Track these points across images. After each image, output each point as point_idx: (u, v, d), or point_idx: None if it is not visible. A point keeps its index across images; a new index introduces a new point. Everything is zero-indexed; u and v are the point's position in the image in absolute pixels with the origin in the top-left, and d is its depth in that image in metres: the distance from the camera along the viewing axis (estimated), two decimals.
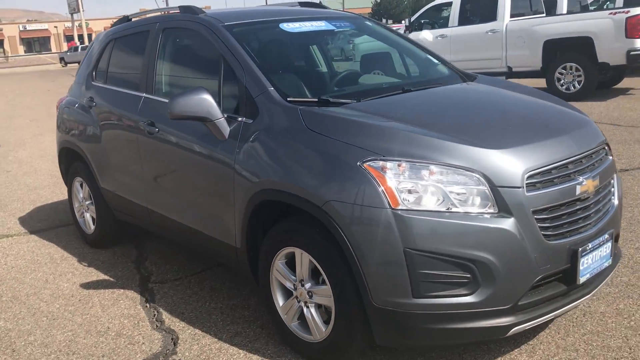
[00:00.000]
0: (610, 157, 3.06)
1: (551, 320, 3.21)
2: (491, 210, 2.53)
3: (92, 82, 4.74)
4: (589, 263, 2.74)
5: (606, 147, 3.07)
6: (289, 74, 3.58)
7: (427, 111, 3.08)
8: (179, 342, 3.32)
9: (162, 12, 4.34)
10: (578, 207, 2.72)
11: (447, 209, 2.52)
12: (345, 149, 2.69)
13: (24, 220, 5.94)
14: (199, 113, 3.11)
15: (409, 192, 2.52)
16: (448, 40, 11.98)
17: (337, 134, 2.78)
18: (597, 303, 3.38)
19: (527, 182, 2.56)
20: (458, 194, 2.53)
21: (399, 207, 2.50)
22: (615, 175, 3.08)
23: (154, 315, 3.68)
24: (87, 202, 4.93)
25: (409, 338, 2.64)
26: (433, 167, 2.55)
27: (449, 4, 12.18)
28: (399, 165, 2.56)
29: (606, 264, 2.87)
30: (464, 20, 11.93)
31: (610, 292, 3.50)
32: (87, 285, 4.21)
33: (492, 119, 2.99)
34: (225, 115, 3.21)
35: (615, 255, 3.08)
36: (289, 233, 2.93)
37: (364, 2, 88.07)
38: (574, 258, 2.67)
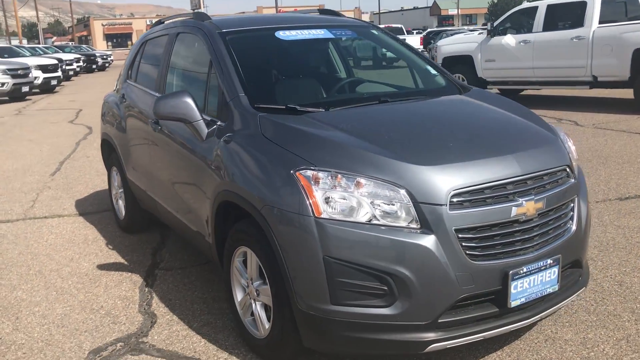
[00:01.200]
0: (572, 180, 2.95)
1: (507, 340, 3.15)
2: (413, 226, 2.55)
3: (127, 80, 5.14)
4: (525, 287, 2.68)
5: (568, 169, 2.96)
6: (270, 81, 3.73)
7: (381, 124, 3.11)
8: (154, 325, 3.58)
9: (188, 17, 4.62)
10: (516, 229, 2.66)
11: (369, 220, 2.57)
12: (285, 156, 2.81)
13: (80, 203, 6.50)
14: (179, 115, 3.34)
15: (334, 202, 2.59)
16: (531, 46, 11.53)
17: (282, 141, 2.90)
18: (566, 330, 3.26)
19: (451, 200, 2.56)
20: (382, 207, 2.58)
21: (322, 216, 2.58)
22: (577, 199, 2.96)
23: (146, 299, 3.96)
24: (120, 190, 5.36)
25: (330, 344, 2.72)
26: (360, 180, 2.61)
27: (535, 9, 11.70)
28: (327, 176, 2.64)
29: (550, 290, 2.78)
30: (549, 25, 11.41)
31: (587, 319, 3.36)
32: (102, 266, 4.59)
33: (440, 136, 2.97)
34: (209, 118, 3.42)
35: (574, 281, 2.98)
36: (242, 233, 3.09)
37: (480, 2, 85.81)
38: (504, 280, 2.62)
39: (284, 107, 3.23)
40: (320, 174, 2.65)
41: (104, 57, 39.80)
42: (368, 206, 2.58)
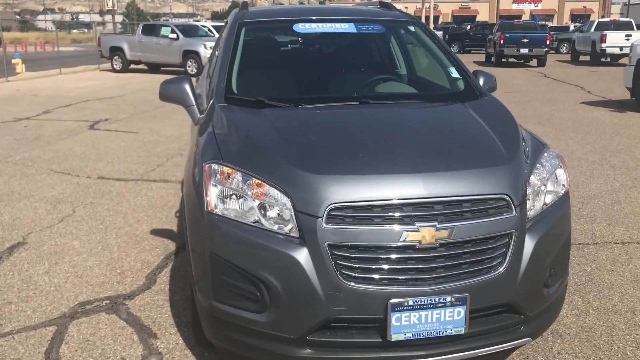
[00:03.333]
0: (513, 214, 2.53)
1: None
2: (293, 235, 2.46)
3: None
4: (412, 322, 2.42)
5: (509, 200, 2.54)
6: (262, 73, 3.73)
7: (321, 127, 2.99)
8: (145, 292, 3.88)
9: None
10: (409, 256, 2.40)
11: (253, 222, 2.52)
12: (209, 148, 2.86)
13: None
14: (176, 98, 3.54)
15: (227, 199, 2.59)
16: None
17: (218, 133, 2.95)
18: None
19: (330, 213, 2.39)
20: (269, 211, 2.51)
21: (214, 212, 2.60)
22: (516, 236, 2.54)
23: (160, 267, 4.28)
24: None
25: (217, 340, 2.73)
26: (254, 181, 2.57)
27: None
28: (226, 172, 2.64)
29: (451, 331, 2.46)
30: None
31: None
32: (154, 232, 5.02)
33: (366, 145, 2.76)
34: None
35: (509, 330, 2.60)
36: None
37: None
38: (386, 310, 2.39)
39: (253, 99, 3.25)
40: (221, 170, 2.65)
41: None
42: (256, 208, 2.53)
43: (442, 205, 2.45)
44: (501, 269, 2.51)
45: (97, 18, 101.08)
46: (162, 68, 22.14)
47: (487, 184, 2.53)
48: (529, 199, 2.66)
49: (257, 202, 2.52)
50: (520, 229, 2.55)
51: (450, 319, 2.45)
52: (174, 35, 20.75)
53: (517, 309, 2.60)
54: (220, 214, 2.58)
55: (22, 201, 5.89)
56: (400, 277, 2.41)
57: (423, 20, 75.19)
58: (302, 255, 2.40)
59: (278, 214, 2.49)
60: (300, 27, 3.83)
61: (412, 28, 4.06)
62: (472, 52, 37.16)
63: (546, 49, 24.35)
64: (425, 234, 2.38)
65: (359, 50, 4.15)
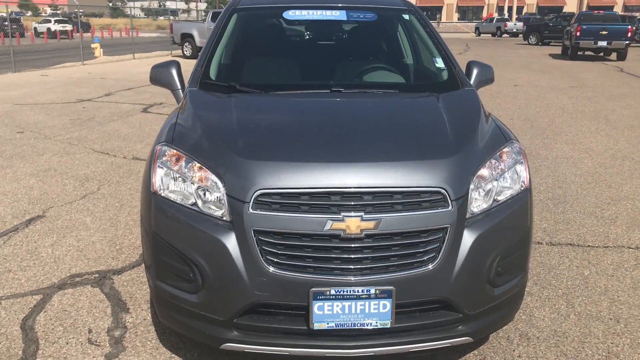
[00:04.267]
0: (449, 208, 2.45)
1: None
2: (225, 219, 2.49)
3: None
4: (335, 312, 2.40)
5: (446, 194, 2.46)
6: (243, 58, 3.76)
7: (277, 114, 3.01)
8: (133, 268, 4.02)
9: None
10: (334, 245, 2.39)
11: (191, 204, 2.58)
12: (167, 130, 2.93)
13: None
14: (163, 82, 3.65)
15: (169, 180, 2.65)
16: None
17: (180, 116, 3.02)
18: None
19: (258, 199, 2.41)
20: (206, 194, 2.55)
21: (157, 192, 2.67)
22: (452, 231, 2.46)
23: None
24: None
25: (162, 318, 2.81)
26: (195, 164, 2.61)
27: None
28: (172, 154, 2.70)
29: (376, 324, 2.42)
30: None
31: None
32: None
33: (312, 133, 2.76)
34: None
35: (445, 327, 2.53)
36: None
37: None
38: (308, 298, 2.39)
39: (225, 84, 3.29)
40: (168, 152, 2.71)
41: None
42: (194, 192, 2.58)
43: (371, 196, 2.41)
44: (433, 264, 2.44)
45: (182, 5, 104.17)
46: None
47: (422, 177, 2.46)
48: (475, 194, 2.57)
49: (196, 185, 2.57)
50: (458, 224, 2.47)
51: (376, 311, 2.41)
52: None
53: (454, 307, 2.52)
54: (163, 195, 2.64)
55: (55, 177, 6.21)
56: (325, 266, 2.39)
57: (505, 11, 72.98)
58: (230, 240, 2.43)
59: (214, 198, 2.52)
60: (290, 14, 3.84)
61: (406, 16, 3.97)
62: (551, 44, 35.70)
63: (627, 42, 23.03)
64: (350, 223, 2.36)
65: (351, 38, 4.11)
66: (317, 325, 2.41)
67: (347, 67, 3.76)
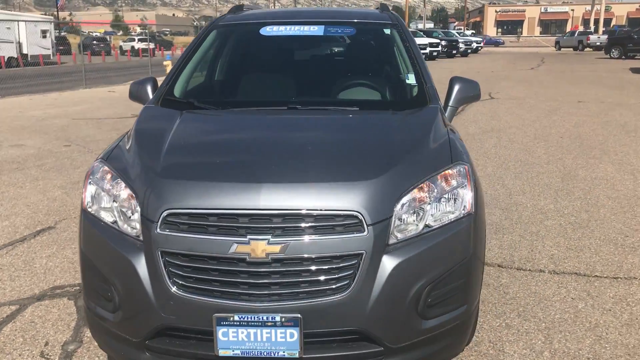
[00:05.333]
0: (364, 233, 2.30)
1: None
2: (141, 238, 2.45)
3: None
4: (241, 339, 2.30)
5: (362, 218, 2.31)
6: (210, 74, 3.73)
7: (215, 133, 2.97)
8: None
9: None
10: (241, 269, 2.29)
11: (112, 222, 2.56)
12: (111, 146, 2.95)
13: None
14: (139, 98, 3.69)
15: (97, 197, 2.65)
16: None
17: (128, 133, 3.02)
18: None
19: (167, 219, 2.36)
20: (126, 213, 2.53)
21: (86, 209, 2.68)
22: (366, 258, 2.30)
23: None
24: None
25: (92, 335, 2.79)
26: (120, 182, 2.60)
27: None
28: (105, 171, 2.70)
29: (284, 354, 2.30)
30: None
31: None
32: None
33: (241, 152, 2.72)
34: None
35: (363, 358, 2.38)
36: None
37: None
38: (212, 323, 2.31)
39: (184, 101, 3.29)
40: (101, 169, 2.72)
41: (468, 43, 40.54)
42: (115, 209, 2.56)
43: (280, 219, 2.30)
44: (347, 292, 2.29)
45: None
46: None
47: (335, 199, 2.33)
48: (403, 218, 2.41)
49: (118, 203, 2.55)
50: (375, 251, 2.32)
51: (282, 340, 2.29)
52: None
53: (373, 339, 2.36)
54: (92, 212, 2.64)
55: (80, 190, 6.43)
56: (231, 291, 2.30)
57: (591, 23, 69.97)
58: (140, 260, 2.39)
59: (131, 217, 2.49)
60: (267, 30, 3.79)
61: (387, 31, 3.83)
62: (636, 57, 33.92)
63: None
64: (255, 247, 2.26)
65: (325, 54, 4.00)
66: (221, 352, 2.32)
67: (315, 84, 3.66)
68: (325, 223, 2.31)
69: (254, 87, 3.65)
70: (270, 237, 2.27)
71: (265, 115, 3.15)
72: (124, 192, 2.54)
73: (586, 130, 9.97)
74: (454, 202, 2.55)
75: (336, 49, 3.99)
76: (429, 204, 2.49)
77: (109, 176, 2.65)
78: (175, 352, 2.42)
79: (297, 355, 2.30)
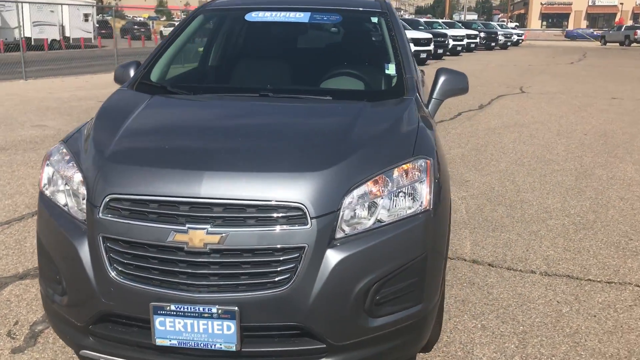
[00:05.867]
0: (305, 227, 2.22)
1: None
2: (86, 223, 2.43)
3: None
4: (178, 329, 2.26)
5: (306, 210, 2.23)
6: (189, 60, 3.68)
7: (174, 118, 2.93)
8: None
9: None
10: (180, 258, 2.25)
11: (63, 205, 2.55)
12: (76, 129, 2.93)
13: None
14: (122, 80, 3.66)
15: (52, 180, 2.64)
16: None
17: (96, 114, 3.01)
18: None
19: (109, 204, 2.32)
20: (78, 197, 2.51)
21: (42, 191, 2.67)
22: (309, 251, 2.22)
23: None
24: None
25: (47, 317, 2.79)
26: (73, 165, 2.58)
27: None
28: (63, 154, 2.68)
29: (221, 346, 2.25)
30: None
31: None
32: None
33: (189, 137, 2.65)
34: None
35: (306, 355, 2.31)
36: None
37: None
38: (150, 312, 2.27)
39: (158, 85, 3.25)
40: (60, 151, 2.70)
41: (508, 35, 39.65)
42: (66, 192, 2.54)
43: (221, 208, 2.24)
44: (287, 286, 2.23)
45: None
46: None
47: (279, 190, 2.25)
48: (353, 212, 2.32)
49: (69, 187, 2.53)
50: (319, 245, 2.24)
51: (220, 332, 2.24)
52: None
53: (315, 335, 2.29)
54: (47, 194, 2.63)
55: None
56: (170, 280, 2.26)
57: None
58: (82, 245, 2.36)
59: (79, 201, 2.47)
60: (253, 16, 3.72)
61: (374, 19, 3.71)
62: None
63: None
64: (193, 236, 2.21)
65: (308, 41, 3.91)
66: (159, 342, 2.28)
67: (294, 72, 3.58)
68: (268, 214, 2.24)
69: (230, 74, 3.59)
70: (209, 226, 2.21)
71: (232, 102, 3.08)
72: (76, 175, 2.52)
73: (613, 128, 9.63)
74: (411, 198, 2.45)
75: (319, 37, 3.89)
76: (382, 198, 2.39)
77: (66, 158, 2.63)
78: (117, 339, 2.39)
79: (234, 349, 2.25)
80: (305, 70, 3.60)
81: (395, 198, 2.43)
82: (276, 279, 2.24)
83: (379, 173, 2.42)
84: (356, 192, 2.35)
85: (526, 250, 4.43)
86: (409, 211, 2.43)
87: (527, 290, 3.76)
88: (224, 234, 2.20)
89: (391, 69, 3.32)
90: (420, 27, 27.64)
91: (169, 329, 2.26)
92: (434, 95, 3.42)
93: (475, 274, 3.99)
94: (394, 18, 3.67)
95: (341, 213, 2.31)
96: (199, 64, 3.81)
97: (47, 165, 2.67)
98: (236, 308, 2.21)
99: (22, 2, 28.53)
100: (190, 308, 2.23)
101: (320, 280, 2.24)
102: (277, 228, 2.23)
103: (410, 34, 23.29)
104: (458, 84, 3.45)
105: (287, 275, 2.23)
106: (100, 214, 2.32)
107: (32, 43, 29.17)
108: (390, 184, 2.43)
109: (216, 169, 2.31)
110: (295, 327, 2.29)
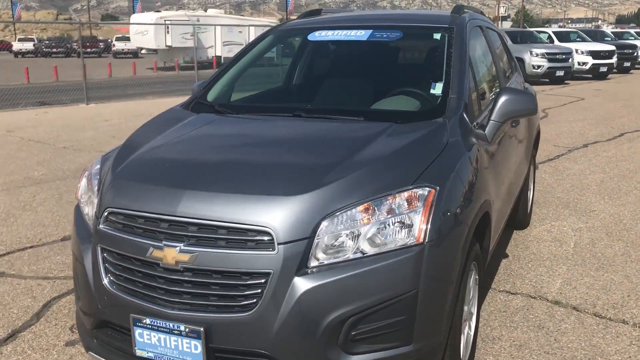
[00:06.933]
0: (271, 253, 2.16)
1: None
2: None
3: None
4: (154, 342, 2.33)
5: (274, 236, 2.17)
6: (253, 79, 3.72)
7: (202, 137, 2.99)
8: None
9: None
10: (158, 273, 2.31)
11: (86, 214, 2.77)
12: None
13: None
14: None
15: (84, 191, 2.85)
16: None
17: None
18: None
19: (109, 217, 2.48)
20: (94, 206, 2.71)
21: (79, 199, 2.91)
22: (275, 278, 2.15)
23: None
24: None
25: None
26: (98, 179, 2.79)
27: None
28: (97, 168, 2.91)
29: None
30: None
31: None
32: None
33: (192, 156, 2.72)
34: None
35: None
36: None
37: None
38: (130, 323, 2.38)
39: (208, 104, 3.39)
40: (95, 165, 2.93)
41: None
42: (91, 203, 2.74)
43: (196, 227, 2.26)
44: (252, 312, 2.18)
45: None
46: None
47: (250, 213, 2.21)
48: (333, 239, 2.21)
49: (92, 198, 2.73)
50: (286, 272, 2.16)
51: (188, 350, 2.26)
52: None
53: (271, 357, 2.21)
54: (80, 203, 2.87)
55: None
56: (150, 294, 2.33)
57: None
58: (88, 253, 2.54)
59: (94, 212, 2.65)
60: (316, 35, 3.71)
61: (436, 36, 3.47)
62: None
63: None
64: (166, 253, 2.26)
65: (364, 60, 3.75)
66: (138, 352, 2.36)
67: (341, 92, 3.48)
68: (237, 237, 2.22)
69: (281, 94, 3.61)
70: (182, 245, 2.25)
71: (254, 122, 3.10)
72: (97, 187, 2.72)
73: None
74: (403, 229, 2.27)
75: (378, 55, 3.74)
76: (368, 226, 2.24)
77: (96, 172, 2.84)
78: (113, 345, 2.52)
79: None
80: (353, 90, 3.50)
81: (384, 228, 2.26)
82: (243, 303, 2.20)
83: (367, 200, 2.28)
84: (337, 219, 2.23)
85: (627, 295, 3.85)
86: (398, 243, 2.25)
87: (605, 341, 3.27)
88: (194, 254, 2.22)
89: (437, 89, 3.10)
90: (606, 39, 25.34)
91: (147, 341, 2.33)
92: (492, 117, 3.13)
93: (551, 316, 3.55)
94: (460, 33, 3.41)
95: (316, 240, 2.21)
96: (246, 82, 3.89)
97: (85, 177, 2.91)
98: (201, 328, 2.21)
99: (218, 25, 31.53)
100: (163, 323, 2.28)
101: (286, 308, 2.16)
102: (246, 252, 2.19)
103: (587, 46, 21.55)
104: (520, 106, 3.12)
105: (253, 300, 2.19)
106: (101, 226, 2.47)
107: (222, 61, 31.86)
108: (378, 212, 2.27)
109: (196, 188, 2.34)
110: (262, 355, 2.23)
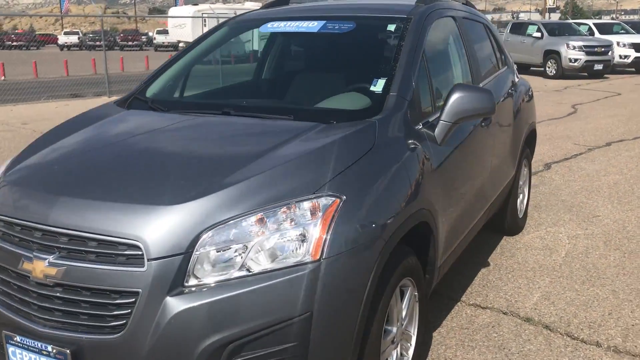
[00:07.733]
0: (139, 269, 1.94)
1: None
2: None
3: None
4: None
5: (143, 251, 1.94)
6: (202, 73, 3.50)
7: (97, 136, 2.77)
8: None
9: None
10: (30, 288, 2.12)
11: None
12: None
13: None
14: None
15: None
16: None
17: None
18: None
19: None
20: None
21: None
22: (145, 297, 1.93)
23: None
24: None
25: None
26: None
27: None
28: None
29: None
30: None
31: None
32: None
33: (75, 159, 2.51)
34: None
35: None
36: None
37: None
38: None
39: (144, 100, 3.19)
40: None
41: None
42: None
43: (67, 238, 2.05)
44: (121, 333, 1.96)
45: (535, 17, 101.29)
46: (531, 68, 20.72)
47: (120, 224, 1.99)
48: (207, 257, 1.98)
49: None
50: (156, 291, 1.93)
51: None
52: (538, 34, 19.58)
53: None
54: None
55: None
56: (24, 309, 2.14)
57: None
58: None
59: None
60: (268, 27, 3.45)
61: (391, 27, 3.15)
62: None
63: None
64: (35, 266, 2.06)
65: (311, 53, 3.46)
66: None
67: (277, 88, 3.23)
68: (107, 250, 2.00)
69: (231, 89, 3.38)
70: (51, 257, 2.04)
71: (179, 120, 2.84)
72: None
73: None
74: (297, 243, 2.01)
75: (328, 48, 3.45)
76: (257, 240, 2.00)
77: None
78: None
79: None
80: (299, 86, 3.24)
81: (276, 242, 2.01)
82: (112, 324, 1.99)
83: (259, 210, 2.03)
84: (223, 231, 2.00)
85: (608, 313, 3.49)
86: (291, 260, 2.00)
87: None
88: (61, 267, 2.02)
89: (379, 85, 2.80)
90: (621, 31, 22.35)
91: (18, 358, 2.15)
92: (442, 117, 2.82)
93: (517, 336, 3.23)
94: (416, 26, 3.09)
95: (195, 256, 1.97)
96: (188, 76, 3.67)
97: None
98: (68, 350, 2.01)
99: None
100: (32, 343, 2.09)
101: (155, 331, 1.94)
102: (114, 267, 1.98)
103: (630, 38, 20.45)
104: (475, 104, 2.80)
105: (122, 322, 1.98)
106: None
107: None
108: (270, 224, 2.02)
109: (70, 195, 2.13)
110: None
